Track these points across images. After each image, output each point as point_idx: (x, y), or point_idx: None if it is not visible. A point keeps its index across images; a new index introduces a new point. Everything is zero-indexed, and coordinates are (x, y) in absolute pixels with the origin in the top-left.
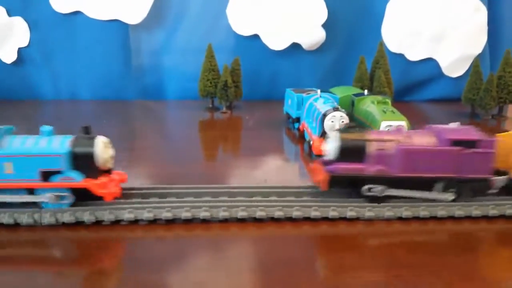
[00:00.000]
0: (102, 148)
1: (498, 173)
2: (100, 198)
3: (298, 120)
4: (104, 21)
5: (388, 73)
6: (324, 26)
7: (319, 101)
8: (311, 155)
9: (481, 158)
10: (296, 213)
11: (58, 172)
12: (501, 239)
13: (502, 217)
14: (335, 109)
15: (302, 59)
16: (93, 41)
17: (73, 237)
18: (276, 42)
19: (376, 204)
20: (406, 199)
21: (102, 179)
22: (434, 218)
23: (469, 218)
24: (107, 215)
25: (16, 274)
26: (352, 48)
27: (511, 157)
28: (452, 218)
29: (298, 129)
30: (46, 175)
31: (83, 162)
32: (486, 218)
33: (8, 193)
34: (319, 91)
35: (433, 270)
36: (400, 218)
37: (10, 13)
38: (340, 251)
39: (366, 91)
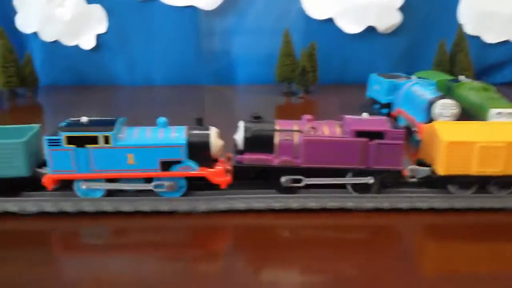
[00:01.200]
0: (215, 138)
1: (422, 164)
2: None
3: (387, 105)
4: (178, 7)
5: (467, 56)
6: (401, 9)
7: (419, 87)
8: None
9: (389, 150)
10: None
11: (177, 162)
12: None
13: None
14: (441, 96)
15: (376, 43)
16: (167, 27)
17: (187, 224)
18: (351, 25)
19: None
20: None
21: (218, 168)
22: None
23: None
24: (220, 205)
25: (131, 259)
26: (427, 31)
27: (434, 148)
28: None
29: (389, 114)
30: (166, 165)
31: (199, 152)
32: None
33: (127, 182)
34: (415, 76)
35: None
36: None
37: (88, 1)
38: None
39: (462, 77)
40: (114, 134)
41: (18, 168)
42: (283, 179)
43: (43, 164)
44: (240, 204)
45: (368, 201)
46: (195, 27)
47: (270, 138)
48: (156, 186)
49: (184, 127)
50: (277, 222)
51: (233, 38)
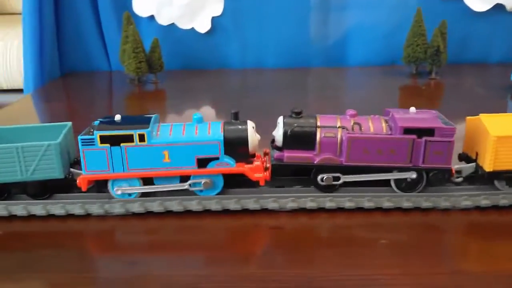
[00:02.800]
0: (252, 133)
1: (464, 158)
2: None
3: None
4: None
5: None
6: None
7: None
8: None
9: (439, 147)
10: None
11: (214, 159)
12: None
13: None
14: None
15: (501, 21)
16: (281, 7)
17: (219, 224)
18: (479, 3)
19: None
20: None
21: (257, 164)
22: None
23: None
24: (251, 204)
25: (168, 259)
26: None
27: (477, 142)
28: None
29: None
30: (202, 162)
31: (236, 147)
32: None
33: (162, 181)
34: None
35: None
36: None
37: None
38: None
39: None
40: (149, 132)
41: (53, 170)
42: (323, 177)
43: (75, 163)
44: (274, 204)
45: (408, 200)
46: (308, 4)
47: (312, 135)
48: (192, 185)
49: (220, 122)
50: (314, 222)
51: (348, 15)
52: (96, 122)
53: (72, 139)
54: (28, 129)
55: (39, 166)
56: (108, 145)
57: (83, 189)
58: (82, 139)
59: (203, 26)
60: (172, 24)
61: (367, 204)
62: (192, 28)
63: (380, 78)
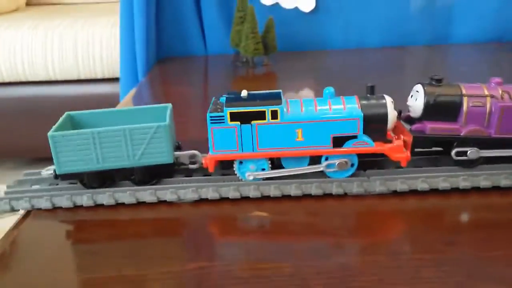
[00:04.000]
0: (392, 109)
1: None
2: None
3: None
4: None
5: None
6: None
7: None
8: None
9: None
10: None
11: (351, 137)
12: None
13: None
14: None
15: None
16: None
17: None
18: None
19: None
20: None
21: (397, 143)
22: None
23: None
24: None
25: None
26: None
27: None
28: None
29: None
30: (338, 141)
31: (374, 125)
32: None
33: (289, 163)
34: None
35: None
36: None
37: None
38: None
39: None
40: (283, 108)
41: (162, 155)
42: (469, 151)
43: (178, 148)
44: (423, 185)
45: None
46: None
47: (458, 105)
48: (328, 166)
49: (354, 97)
50: (462, 202)
51: None
52: (222, 99)
53: (173, 122)
54: (127, 112)
55: (147, 150)
56: (238, 122)
57: (210, 170)
58: (211, 117)
59: (307, 5)
60: (276, 4)
61: None
62: (296, 8)
63: (490, 55)
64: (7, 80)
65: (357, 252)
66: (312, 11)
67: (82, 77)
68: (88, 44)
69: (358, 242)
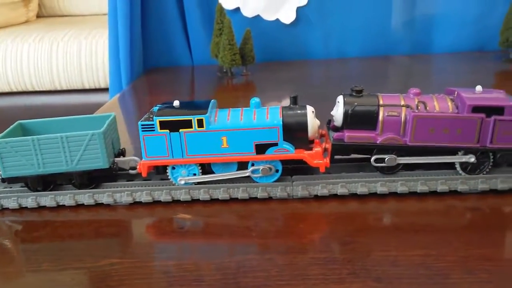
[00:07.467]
0: (312, 118)
1: None
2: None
3: None
4: None
5: None
6: None
7: None
8: None
9: (508, 127)
10: None
11: (273, 145)
12: None
13: None
14: None
15: None
16: None
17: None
18: None
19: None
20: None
21: (316, 150)
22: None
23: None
24: (319, 190)
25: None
26: None
27: None
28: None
29: None
30: (261, 148)
31: (295, 133)
32: None
33: (219, 168)
34: None
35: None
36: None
37: None
38: None
39: None
40: (208, 117)
41: (97, 160)
42: (387, 158)
43: (120, 154)
44: (343, 189)
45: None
46: None
47: (375, 114)
48: (253, 172)
49: (278, 107)
50: (383, 207)
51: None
52: (155, 108)
53: (116, 130)
54: (73, 121)
55: (84, 156)
56: (167, 130)
57: (143, 175)
58: (142, 125)
59: (288, 16)
60: (257, 16)
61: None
62: (277, 19)
63: (471, 64)
64: (14, 89)
65: (257, 251)
66: (293, 23)
67: (86, 86)
68: (92, 54)
69: (265, 242)
